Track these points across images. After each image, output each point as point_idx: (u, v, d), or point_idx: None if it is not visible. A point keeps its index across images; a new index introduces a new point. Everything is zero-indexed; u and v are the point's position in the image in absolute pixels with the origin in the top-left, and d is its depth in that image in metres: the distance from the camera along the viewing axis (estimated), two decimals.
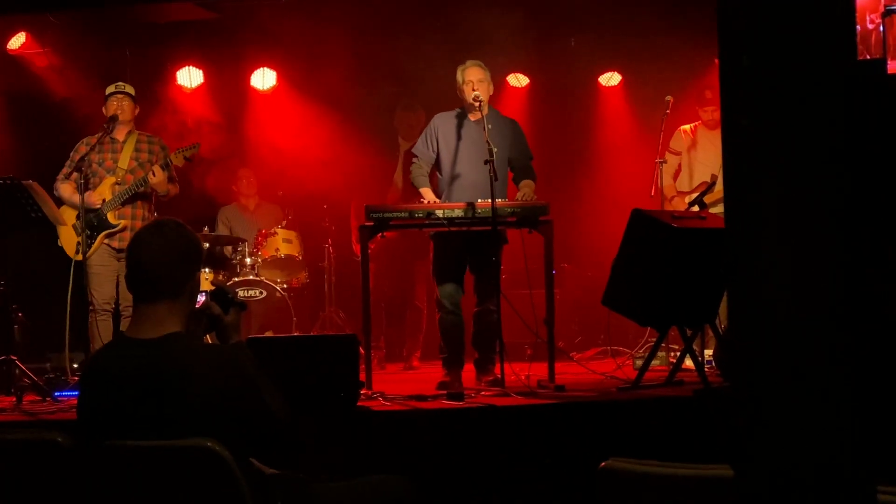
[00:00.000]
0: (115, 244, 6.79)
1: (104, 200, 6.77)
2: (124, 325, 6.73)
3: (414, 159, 6.54)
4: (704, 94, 7.73)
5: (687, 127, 7.88)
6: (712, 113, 7.66)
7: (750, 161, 1.48)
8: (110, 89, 6.96)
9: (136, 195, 6.83)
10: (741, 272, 1.51)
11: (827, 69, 1.45)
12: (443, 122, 6.51)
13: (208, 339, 3.23)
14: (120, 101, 6.90)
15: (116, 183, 6.81)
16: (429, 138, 6.51)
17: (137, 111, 7.07)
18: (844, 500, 1.44)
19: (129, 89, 6.98)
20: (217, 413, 2.75)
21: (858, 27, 4.86)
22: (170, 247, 2.90)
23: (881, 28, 4.52)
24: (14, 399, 5.99)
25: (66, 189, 6.86)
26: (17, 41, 9.05)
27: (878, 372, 1.59)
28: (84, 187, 6.40)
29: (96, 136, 6.90)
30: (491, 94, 6.45)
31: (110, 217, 6.78)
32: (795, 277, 1.47)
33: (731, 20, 1.50)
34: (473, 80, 6.33)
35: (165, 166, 6.81)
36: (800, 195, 1.45)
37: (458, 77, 6.43)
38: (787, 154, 1.46)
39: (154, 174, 6.73)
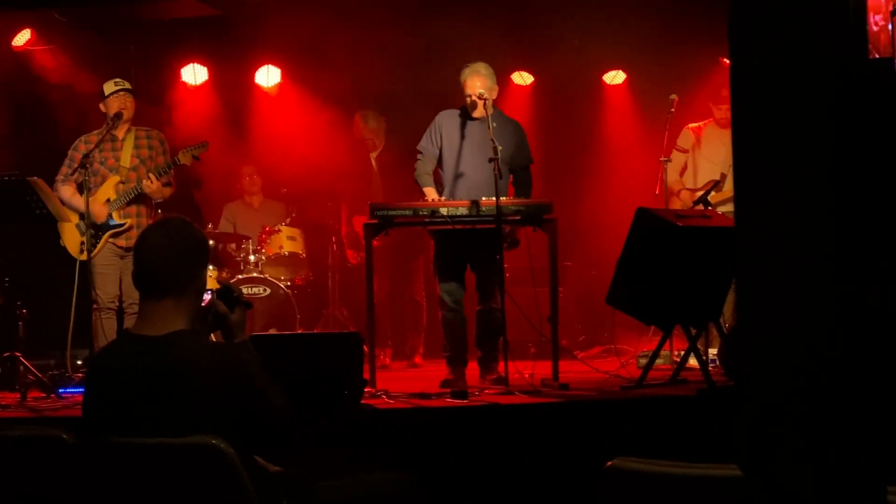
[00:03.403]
0: (122, 243, 6.73)
1: (109, 200, 6.73)
2: (128, 322, 6.72)
3: (419, 155, 6.52)
4: (721, 91, 7.64)
5: (694, 125, 7.85)
6: (726, 111, 7.57)
7: (761, 160, 1.48)
8: (110, 87, 6.82)
9: (140, 193, 6.78)
10: (750, 271, 1.51)
11: (838, 69, 1.44)
12: (446, 120, 6.49)
13: (213, 337, 3.23)
14: (124, 99, 6.80)
15: (121, 182, 6.76)
16: (433, 135, 6.49)
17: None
18: (853, 500, 1.44)
19: (129, 85, 6.92)
20: (221, 411, 2.75)
21: None
22: (176, 244, 2.90)
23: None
24: (18, 395, 5.99)
25: (66, 191, 6.77)
26: (22, 38, 9.03)
27: (886, 371, 1.58)
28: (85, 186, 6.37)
29: (95, 133, 6.85)
30: (496, 95, 6.40)
31: (115, 216, 6.74)
32: (805, 277, 1.46)
33: (743, 20, 1.49)
34: (472, 94, 6.30)
35: (170, 167, 6.76)
36: (810, 194, 1.45)
37: (461, 79, 6.40)
38: (797, 153, 1.45)
39: (151, 181, 6.67)
